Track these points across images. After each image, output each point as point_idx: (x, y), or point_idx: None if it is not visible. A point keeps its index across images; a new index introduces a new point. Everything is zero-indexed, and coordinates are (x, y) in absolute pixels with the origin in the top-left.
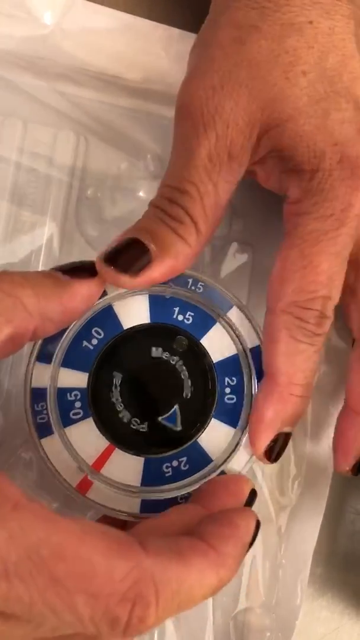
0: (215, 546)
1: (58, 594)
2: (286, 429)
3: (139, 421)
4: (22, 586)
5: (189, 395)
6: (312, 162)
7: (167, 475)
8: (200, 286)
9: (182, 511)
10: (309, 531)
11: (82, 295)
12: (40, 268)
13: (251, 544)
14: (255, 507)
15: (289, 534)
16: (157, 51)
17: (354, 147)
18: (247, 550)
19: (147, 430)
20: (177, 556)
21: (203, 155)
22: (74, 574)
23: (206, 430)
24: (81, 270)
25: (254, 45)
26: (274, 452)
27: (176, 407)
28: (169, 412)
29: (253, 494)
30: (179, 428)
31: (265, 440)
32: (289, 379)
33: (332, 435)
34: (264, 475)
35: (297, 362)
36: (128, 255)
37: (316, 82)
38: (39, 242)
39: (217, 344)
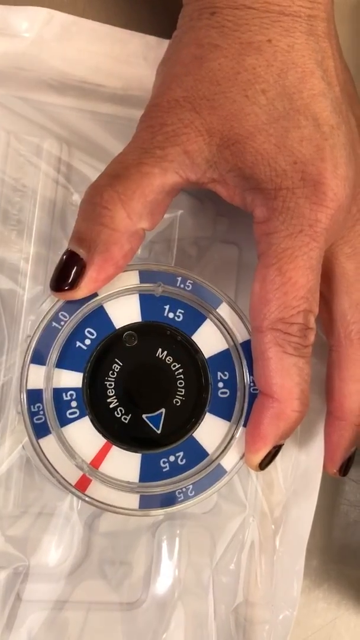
0: None
1: None
2: (281, 442)
3: (126, 415)
4: None
5: (179, 402)
6: (274, 181)
7: (164, 470)
8: (189, 284)
9: None
10: (303, 524)
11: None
12: (28, 276)
13: None
14: (250, 502)
15: (284, 528)
16: (135, 59)
17: (314, 165)
18: None
19: (127, 423)
20: None
21: (155, 144)
22: None
23: (201, 424)
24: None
25: (214, 62)
26: (265, 463)
27: (162, 410)
28: (155, 413)
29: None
30: (158, 431)
31: (262, 455)
32: (288, 394)
33: (323, 427)
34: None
35: (292, 375)
36: (67, 270)
37: (275, 100)
38: (27, 248)
39: (209, 340)
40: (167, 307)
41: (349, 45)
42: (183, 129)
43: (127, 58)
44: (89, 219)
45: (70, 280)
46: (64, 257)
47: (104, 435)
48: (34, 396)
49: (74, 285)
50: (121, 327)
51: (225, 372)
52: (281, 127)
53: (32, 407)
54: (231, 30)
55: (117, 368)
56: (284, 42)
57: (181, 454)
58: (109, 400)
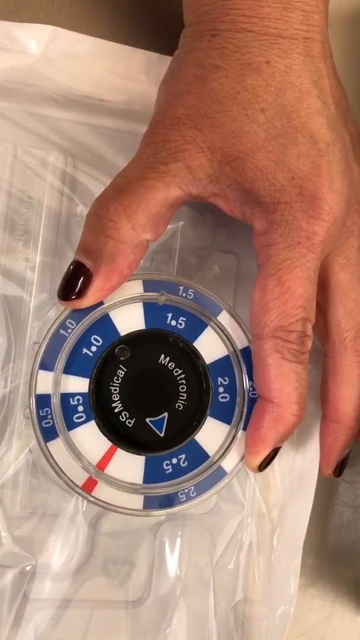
0: None
1: None
2: (280, 444)
3: (130, 419)
4: None
5: (181, 406)
6: (273, 195)
7: (167, 472)
8: (191, 293)
9: None
10: (299, 525)
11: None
12: (35, 284)
13: None
14: (248, 503)
15: (281, 527)
16: (137, 75)
17: (311, 180)
18: None
19: (131, 426)
20: None
21: (159, 160)
22: None
23: (202, 428)
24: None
25: (216, 82)
26: (264, 465)
27: (165, 414)
28: (158, 417)
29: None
30: (161, 434)
31: (261, 458)
32: (287, 398)
33: (318, 428)
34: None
35: (291, 380)
36: (74, 279)
37: (274, 118)
38: (33, 259)
39: (209, 346)
40: (169, 315)
41: (342, 62)
42: (185, 146)
43: (129, 74)
44: (95, 231)
45: (77, 290)
46: (71, 267)
47: (109, 439)
48: (43, 401)
49: (80, 294)
50: (126, 334)
51: (226, 378)
52: (279, 145)
53: (40, 411)
54: (231, 52)
55: (121, 374)
56: (282, 64)
57: (183, 456)
58: (114, 404)
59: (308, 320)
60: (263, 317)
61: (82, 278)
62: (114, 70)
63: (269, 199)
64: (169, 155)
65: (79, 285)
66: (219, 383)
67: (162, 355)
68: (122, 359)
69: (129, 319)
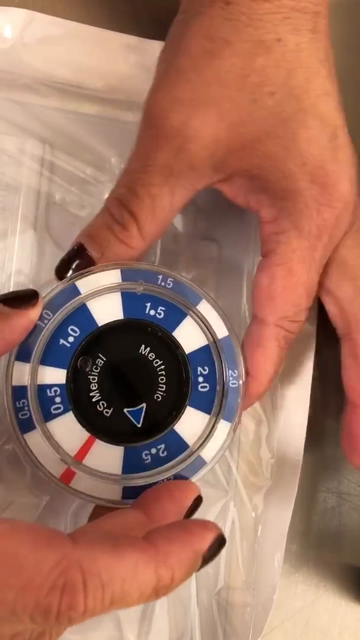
0: (157, 544)
1: None
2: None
3: (108, 409)
4: None
5: (160, 396)
6: (282, 182)
7: (146, 462)
8: (170, 282)
9: (122, 515)
10: (283, 511)
11: (21, 327)
12: (14, 273)
13: (209, 558)
14: (231, 489)
15: (265, 514)
16: (116, 59)
17: (322, 167)
18: (201, 561)
19: (109, 416)
20: (110, 547)
21: (162, 162)
22: (3, 570)
23: (182, 418)
24: (20, 300)
25: (226, 62)
26: None
27: (144, 404)
28: (136, 407)
29: (197, 501)
30: (139, 425)
31: None
32: (267, 377)
33: (302, 415)
34: (239, 458)
35: (275, 364)
36: (75, 263)
37: (283, 101)
38: (11, 248)
39: (189, 336)
40: (148, 304)
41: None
42: (188, 144)
43: (108, 58)
44: (106, 227)
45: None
46: (75, 248)
47: (87, 430)
48: (19, 392)
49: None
50: (104, 324)
51: (205, 367)
52: (289, 129)
53: (17, 403)
54: (244, 25)
55: (100, 364)
56: (292, 41)
57: (162, 446)
58: (91, 394)
59: (308, 309)
60: (270, 303)
61: (85, 264)
62: (92, 55)
63: (278, 186)
64: (171, 157)
65: (73, 267)
66: (199, 373)
67: (142, 346)
68: (100, 349)
69: (107, 309)
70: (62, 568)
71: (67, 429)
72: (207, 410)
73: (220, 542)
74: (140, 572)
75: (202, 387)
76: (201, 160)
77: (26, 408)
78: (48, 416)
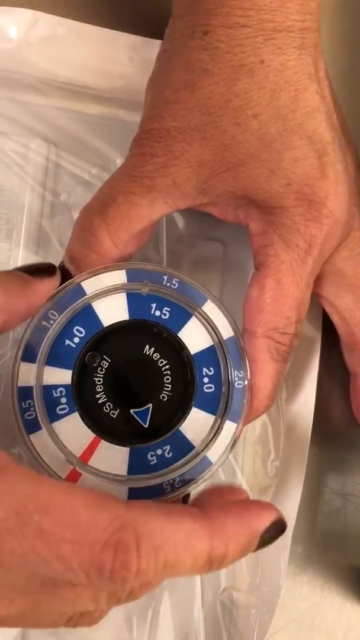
0: (212, 515)
1: (46, 544)
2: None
3: (114, 410)
4: (13, 539)
5: (166, 397)
6: (268, 201)
7: (152, 463)
8: (176, 282)
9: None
10: (288, 512)
11: (43, 291)
12: None
13: (267, 541)
14: None
15: None
16: (121, 59)
17: (308, 184)
18: (257, 543)
19: (115, 417)
20: (164, 513)
21: (146, 174)
22: (60, 524)
23: (187, 418)
24: (41, 271)
25: (205, 90)
26: None
27: (150, 405)
28: (142, 408)
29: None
30: (146, 425)
31: None
32: (262, 393)
33: (307, 417)
34: (243, 460)
35: (273, 378)
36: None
37: (268, 122)
38: (16, 248)
39: (194, 337)
40: (153, 305)
41: (328, 47)
42: (173, 161)
43: (113, 58)
44: (80, 242)
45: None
46: (60, 266)
47: (92, 430)
48: (25, 393)
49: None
50: (109, 325)
51: (211, 368)
52: (274, 151)
53: (22, 403)
54: (223, 52)
55: (105, 365)
56: (277, 61)
57: (168, 447)
58: (97, 396)
59: (300, 322)
60: (259, 315)
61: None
62: (97, 55)
63: (264, 204)
64: (155, 170)
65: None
66: (204, 373)
67: (147, 346)
68: (105, 350)
69: (113, 310)
70: (115, 527)
71: (73, 430)
72: (213, 411)
73: (280, 526)
74: (193, 539)
75: (207, 387)
76: (186, 177)
77: (32, 408)
78: (54, 417)
